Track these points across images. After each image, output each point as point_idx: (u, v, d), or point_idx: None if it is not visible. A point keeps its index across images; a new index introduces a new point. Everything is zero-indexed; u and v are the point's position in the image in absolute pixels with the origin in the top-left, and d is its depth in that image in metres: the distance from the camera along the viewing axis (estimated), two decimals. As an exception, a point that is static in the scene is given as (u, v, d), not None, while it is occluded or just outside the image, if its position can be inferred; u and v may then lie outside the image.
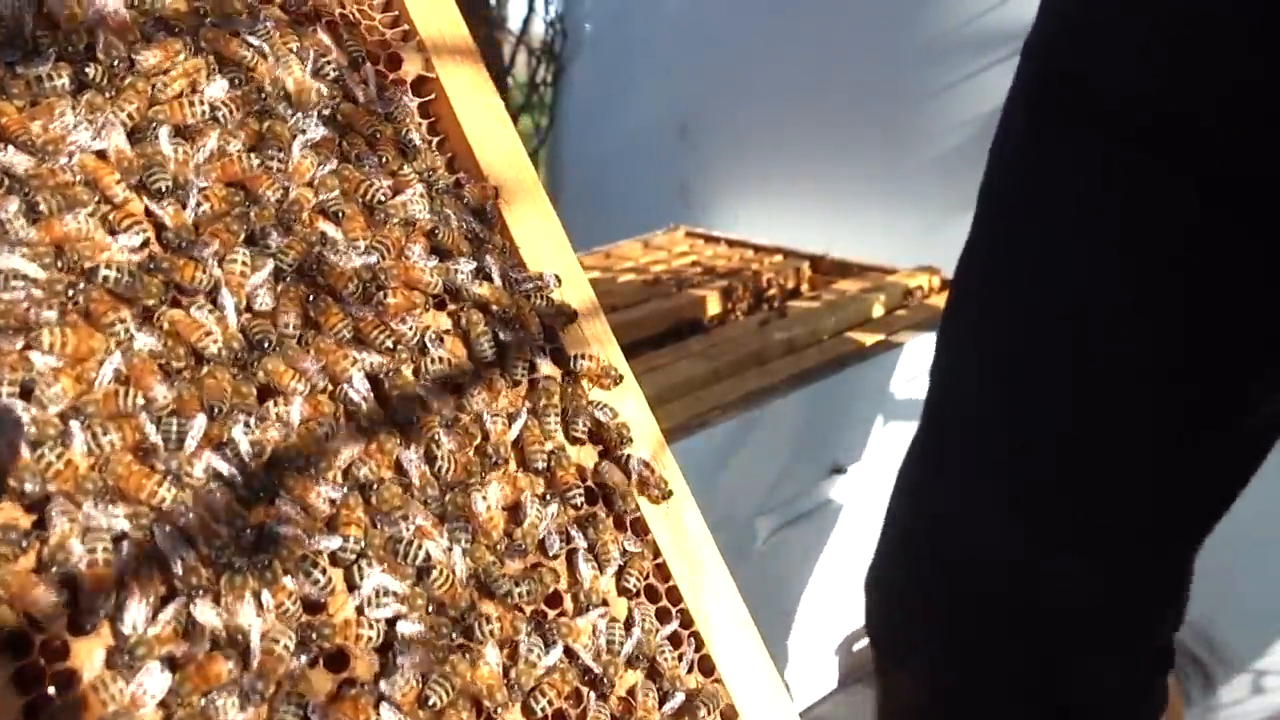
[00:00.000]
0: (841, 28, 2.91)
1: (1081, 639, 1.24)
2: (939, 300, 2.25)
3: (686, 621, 0.92)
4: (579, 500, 0.89)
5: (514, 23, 4.26)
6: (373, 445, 0.81)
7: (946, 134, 2.76)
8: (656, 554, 0.93)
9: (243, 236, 0.81)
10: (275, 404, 0.78)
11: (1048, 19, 1.18)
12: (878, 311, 2.20)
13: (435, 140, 0.97)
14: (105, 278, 0.74)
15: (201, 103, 0.83)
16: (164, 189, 0.79)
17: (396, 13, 0.98)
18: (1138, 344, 1.13)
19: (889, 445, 2.06)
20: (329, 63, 0.91)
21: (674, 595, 0.93)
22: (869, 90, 2.88)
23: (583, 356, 0.94)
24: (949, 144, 2.76)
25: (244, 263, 0.80)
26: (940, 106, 2.75)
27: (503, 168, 0.98)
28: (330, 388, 0.81)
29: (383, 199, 0.89)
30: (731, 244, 2.63)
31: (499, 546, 0.85)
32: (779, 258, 2.50)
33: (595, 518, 0.90)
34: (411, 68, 0.97)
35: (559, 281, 0.95)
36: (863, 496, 2.04)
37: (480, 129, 0.98)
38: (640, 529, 0.93)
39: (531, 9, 4.09)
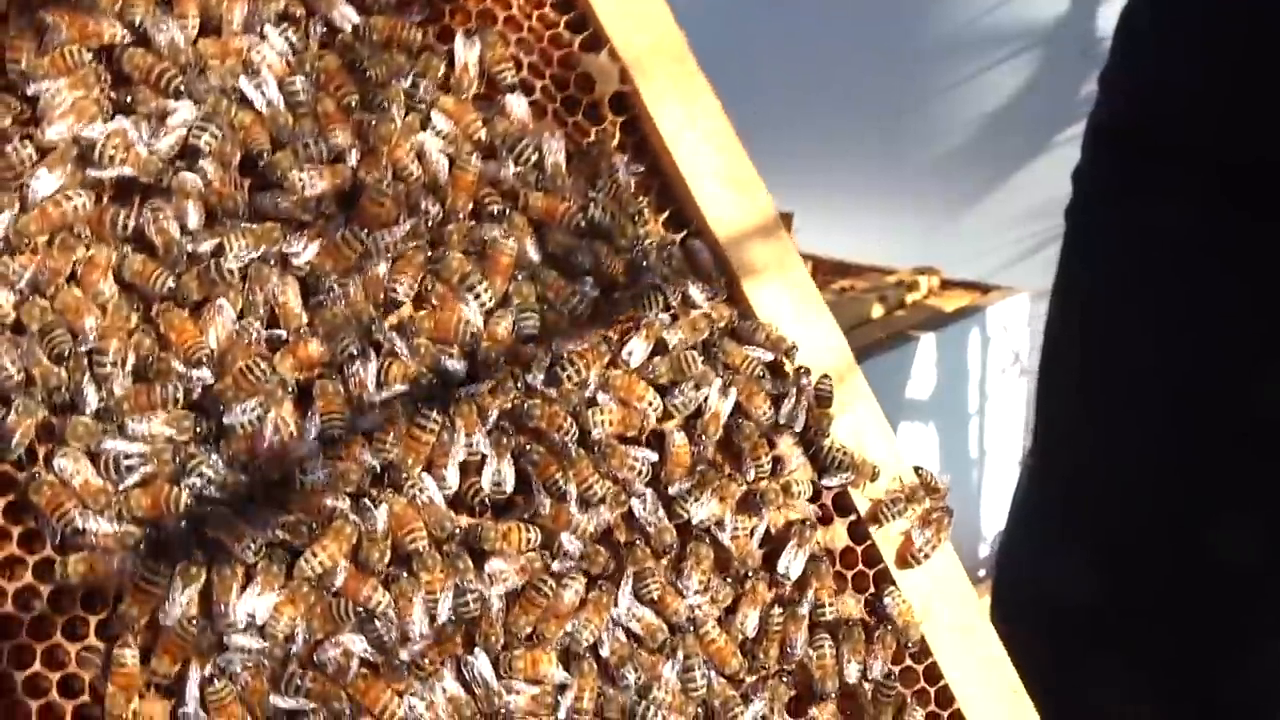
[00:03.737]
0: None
1: (1089, 638, 1.25)
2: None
3: None
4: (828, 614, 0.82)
5: (514, 23, 4.26)
6: (589, 605, 0.76)
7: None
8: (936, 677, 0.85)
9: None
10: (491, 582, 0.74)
11: (1120, 61, 1.22)
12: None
13: (640, 171, 0.83)
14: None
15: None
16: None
17: (580, 10, 0.81)
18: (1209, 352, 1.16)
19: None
20: (526, 145, 0.78)
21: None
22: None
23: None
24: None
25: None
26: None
27: (728, 202, 0.84)
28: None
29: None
30: (732, 244, 2.62)
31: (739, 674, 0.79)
32: (779, 258, 2.50)
33: (848, 624, 0.83)
34: (605, 85, 0.81)
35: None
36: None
37: (692, 151, 0.85)
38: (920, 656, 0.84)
39: (532, 9, 4.09)
